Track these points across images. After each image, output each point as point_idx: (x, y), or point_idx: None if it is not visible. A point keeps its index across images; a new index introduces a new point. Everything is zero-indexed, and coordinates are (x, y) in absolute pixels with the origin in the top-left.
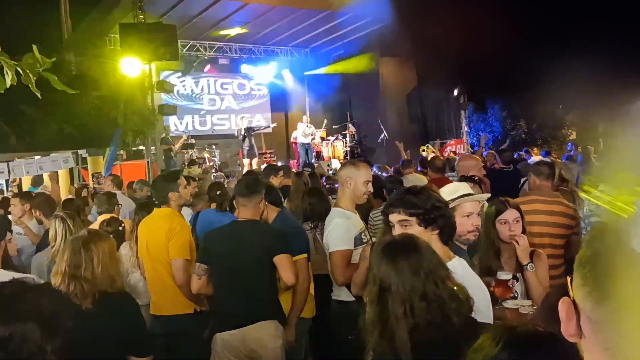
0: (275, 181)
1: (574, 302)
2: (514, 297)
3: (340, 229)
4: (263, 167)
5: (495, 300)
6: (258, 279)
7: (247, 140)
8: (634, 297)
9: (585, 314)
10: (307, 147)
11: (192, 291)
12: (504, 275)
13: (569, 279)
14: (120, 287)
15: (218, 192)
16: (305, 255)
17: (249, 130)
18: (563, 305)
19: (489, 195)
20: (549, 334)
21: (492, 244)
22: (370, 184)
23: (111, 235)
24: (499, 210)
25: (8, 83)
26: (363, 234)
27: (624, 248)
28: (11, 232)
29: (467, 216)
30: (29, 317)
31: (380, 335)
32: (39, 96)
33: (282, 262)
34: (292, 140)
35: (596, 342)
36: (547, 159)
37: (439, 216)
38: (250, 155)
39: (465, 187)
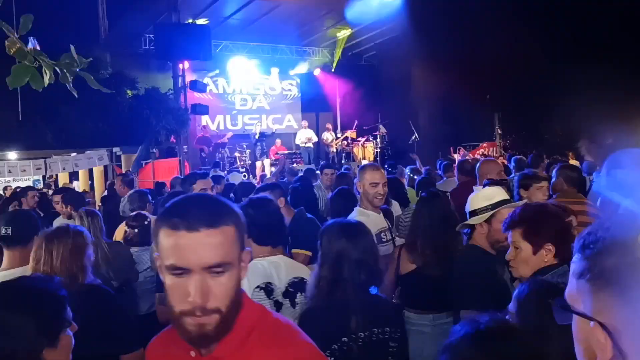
0: (326, 179)
1: (601, 324)
2: None
3: None
4: (273, 169)
5: None
6: None
7: (259, 143)
8: None
9: (628, 335)
10: (309, 151)
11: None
12: None
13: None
14: (84, 284)
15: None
16: (307, 252)
17: (262, 134)
18: (598, 332)
19: (524, 201)
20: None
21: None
22: (379, 186)
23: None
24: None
25: (46, 82)
26: (383, 233)
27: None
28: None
29: None
30: (27, 312)
31: (330, 293)
32: (76, 95)
33: None
34: (322, 140)
35: None
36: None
37: None
38: (262, 157)
39: (502, 193)
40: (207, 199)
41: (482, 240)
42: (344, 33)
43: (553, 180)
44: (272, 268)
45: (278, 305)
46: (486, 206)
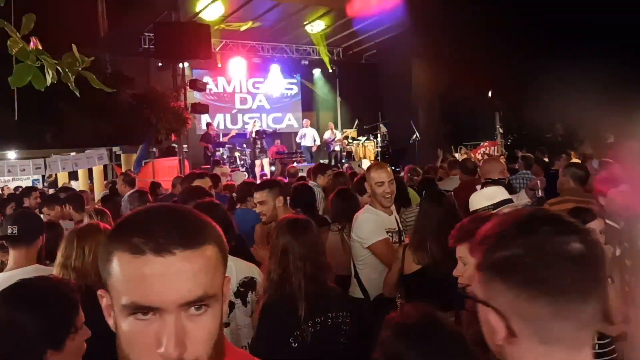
0: (323, 181)
1: (495, 309)
2: None
3: (369, 223)
4: (272, 168)
5: None
6: None
7: (257, 142)
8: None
9: (515, 316)
10: (310, 150)
11: None
12: None
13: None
14: None
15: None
16: None
17: (260, 133)
18: (491, 315)
19: (528, 201)
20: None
21: None
22: (384, 185)
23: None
24: (585, 220)
25: (49, 81)
26: (390, 234)
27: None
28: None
29: None
30: (34, 310)
31: (281, 286)
32: (78, 94)
33: None
34: (324, 140)
35: (533, 340)
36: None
37: None
38: (261, 156)
39: (503, 193)
40: (177, 211)
41: None
42: (319, 25)
43: (560, 179)
44: None
45: (231, 305)
46: (487, 206)
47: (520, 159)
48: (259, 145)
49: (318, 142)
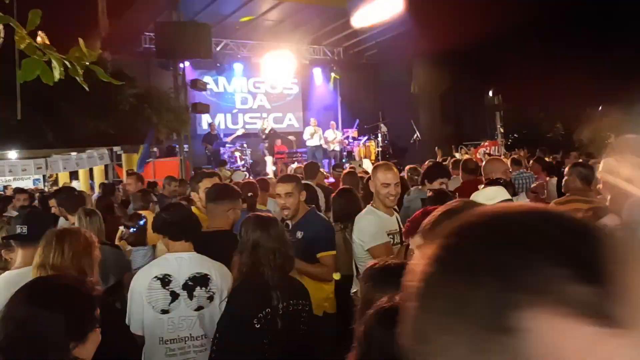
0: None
1: None
2: None
3: (370, 226)
4: (273, 168)
5: None
6: None
7: (268, 140)
8: None
9: None
10: (314, 150)
11: None
12: None
13: None
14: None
15: (249, 194)
16: (331, 252)
17: (263, 131)
18: None
19: (526, 201)
20: None
21: None
22: (390, 186)
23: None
24: (598, 216)
25: (56, 76)
26: (391, 236)
27: None
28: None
29: None
30: (60, 306)
31: (250, 275)
32: (87, 88)
33: None
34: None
35: None
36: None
37: None
38: (271, 154)
39: (503, 193)
40: None
41: None
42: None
43: (565, 178)
44: (176, 262)
45: (174, 296)
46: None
47: (511, 162)
48: (268, 144)
49: (323, 142)
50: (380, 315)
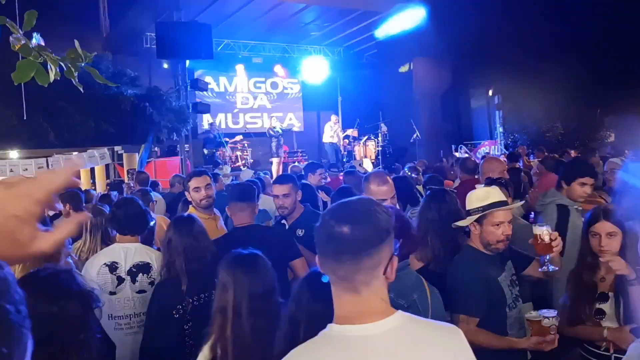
0: (313, 179)
1: None
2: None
3: None
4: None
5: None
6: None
7: (275, 139)
8: None
9: None
10: (335, 148)
11: None
12: (536, 230)
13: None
14: None
15: None
16: None
17: (273, 129)
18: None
19: (520, 203)
20: None
21: (586, 255)
22: (387, 202)
23: None
24: (593, 220)
25: (52, 78)
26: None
27: None
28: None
29: (497, 225)
30: (71, 294)
31: (169, 269)
32: (82, 90)
33: (298, 266)
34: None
35: None
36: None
37: None
38: (279, 155)
39: (497, 193)
40: None
41: (477, 241)
42: None
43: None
44: (122, 251)
45: (120, 280)
46: (477, 207)
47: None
48: (275, 143)
49: (339, 140)
50: (309, 280)
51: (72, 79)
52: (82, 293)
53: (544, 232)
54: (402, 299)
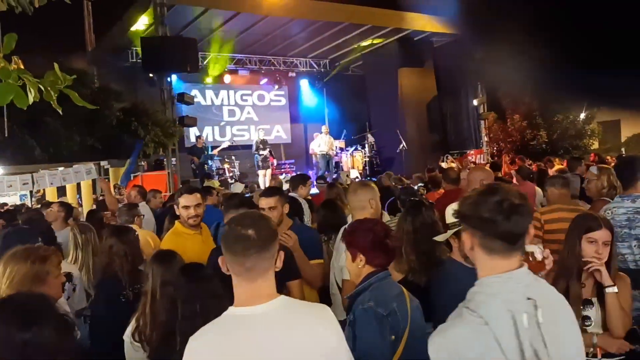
0: (303, 191)
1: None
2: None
3: None
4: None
5: None
6: None
7: (262, 152)
8: None
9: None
10: (327, 158)
11: None
12: (528, 248)
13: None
14: None
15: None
16: (320, 260)
17: (264, 142)
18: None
19: None
20: None
21: (575, 260)
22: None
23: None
24: (591, 227)
25: (31, 100)
26: None
27: None
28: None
29: None
30: (45, 320)
31: (108, 269)
32: (61, 112)
33: (294, 289)
34: (310, 152)
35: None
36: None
37: None
38: (265, 167)
39: None
40: None
41: (457, 255)
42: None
43: (547, 188)
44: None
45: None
46: (455, 221)
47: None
48: (261, 156)
49: (330, 150)
50: (184, 271)
51: (52, 102)
52: (56, 319)
53: (536, 250)
54: (381, 307)
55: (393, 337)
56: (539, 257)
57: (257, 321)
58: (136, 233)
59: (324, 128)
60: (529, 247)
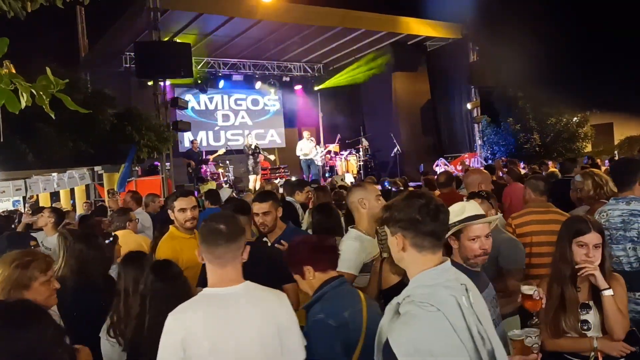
0: (301, 197)
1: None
2: (536, 324)
3: (351, 252)
4: (257, 183)
5: (530, 316)
6: None
7: (253, 157)
8: None
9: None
10: (309, 163)
11: None
12: (527, 290)
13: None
14: None
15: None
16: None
17: (256, 147)
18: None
19: (497, 217)
20: None
21: (567, 265)
22: (381, 197)
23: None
24: (580, 230)
25: (23, 104)
26: (375, 261)
27: None
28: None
29: (474, 239)
30: (41, 320)
31: (80, 272)
32: (53, 117)
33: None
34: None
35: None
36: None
37: None
38: (256, 172)
39: (473, 207)
40: None
41: (457, 257)
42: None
43: (524, 191)
44: None
45: None
46: (453, 222)
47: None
48: (252, 161)
49: (316, 156)
50: (154, 268)
51: (44, 106)
52: (48, 324)
53: (533, 292)
54: (331, 318)
55: (344, 348)
56: (536, 297)
57: (226, 299)
58: (110, 239)
59: (306, 133)
60: (527, 290)
